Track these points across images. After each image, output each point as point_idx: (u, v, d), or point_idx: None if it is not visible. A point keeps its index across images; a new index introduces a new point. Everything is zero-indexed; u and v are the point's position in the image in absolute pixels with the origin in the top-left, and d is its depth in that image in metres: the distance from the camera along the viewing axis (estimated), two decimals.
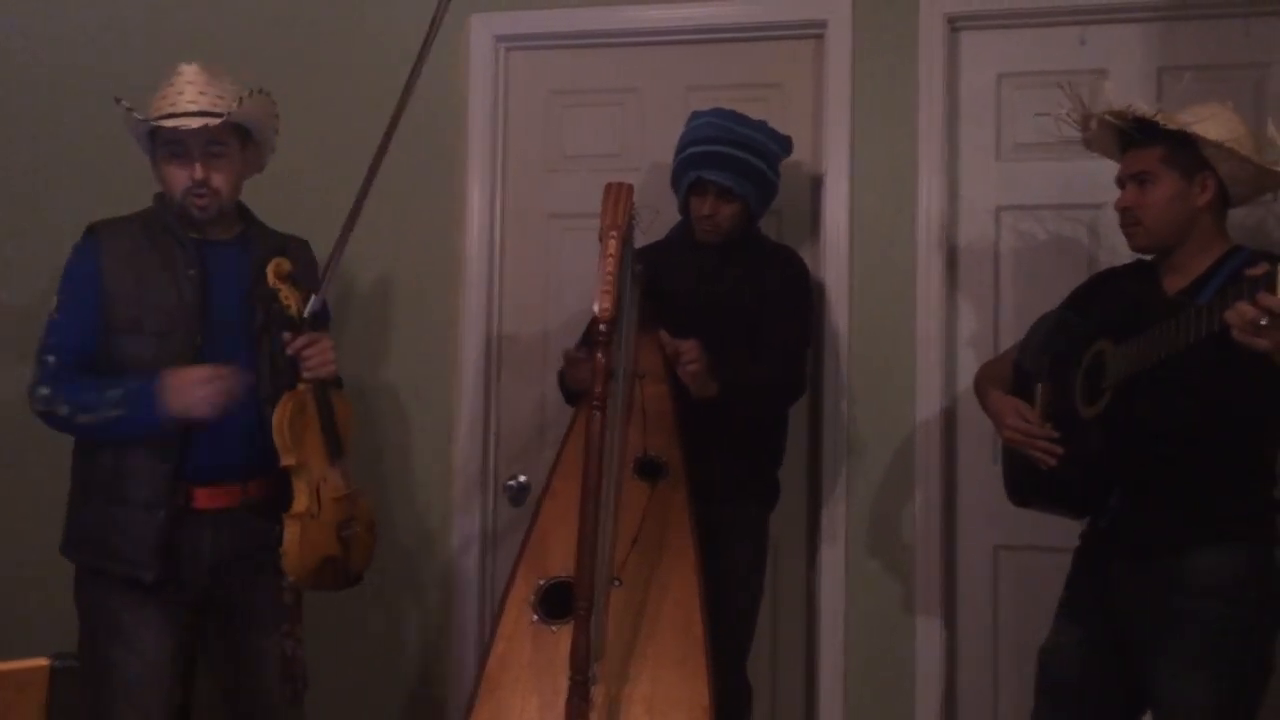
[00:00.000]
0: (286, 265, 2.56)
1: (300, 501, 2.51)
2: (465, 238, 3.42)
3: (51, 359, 2.50)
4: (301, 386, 2.53)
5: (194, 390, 2.42)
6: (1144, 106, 2.42)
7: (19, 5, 3.70)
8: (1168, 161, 2.37)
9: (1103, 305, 2.52)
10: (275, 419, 2.48)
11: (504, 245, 3.45)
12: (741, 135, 2.86)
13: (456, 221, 3.42)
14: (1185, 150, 2.35)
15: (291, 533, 2.48)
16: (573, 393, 2.94)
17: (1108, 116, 2.46)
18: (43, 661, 1.75)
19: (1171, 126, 2.35)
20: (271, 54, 3.51)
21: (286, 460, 2.49)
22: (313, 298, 2.56)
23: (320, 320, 2.65)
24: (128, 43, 3.61)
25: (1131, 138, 2.45)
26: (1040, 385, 2.53)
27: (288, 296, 2.54)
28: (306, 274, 2.72)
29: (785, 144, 2.97)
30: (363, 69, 3.50)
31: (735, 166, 2.83)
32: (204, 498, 2.51)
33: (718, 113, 2.92)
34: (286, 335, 2.53)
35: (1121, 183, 2.47)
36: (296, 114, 3.39)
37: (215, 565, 2.54)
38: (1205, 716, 2.26)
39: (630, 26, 3.36)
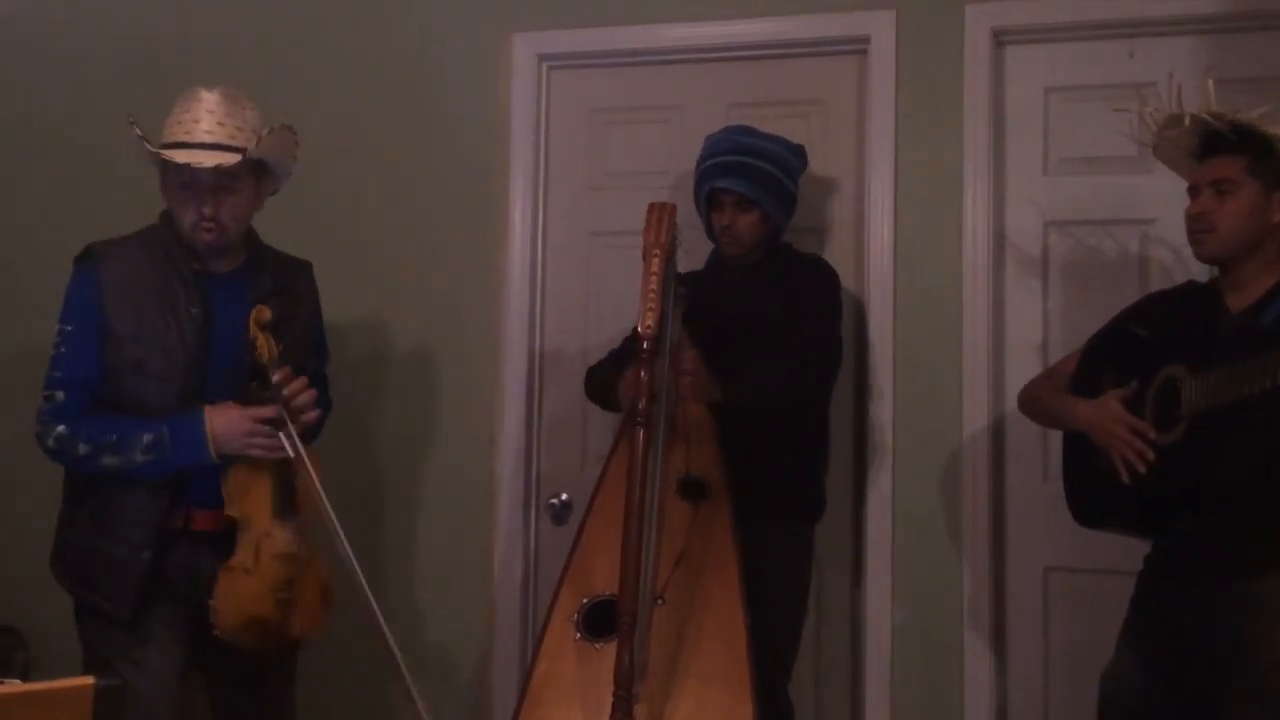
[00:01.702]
0: (267, 314, 2.45)
1: (236, 554, 2.42)
2: (507, 256, 3.42)
3: (61, 395, 2.45)
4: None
5: (241, 436, 2.41)
6: (1249, 113, 2.36)
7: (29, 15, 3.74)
8: (1252, 171, 2.33)
9: (1163, 325, 2.47)
10: (225, 470, 2.42)
11: (546, 264, 3.45)
12: (752, 145, 2.88)
13: (499, 240, 3.42)
14: (1269, 162, 2.32)
15: (221, 585, 2.40)
16: (604, 396, 2.94)
17: (1205, 116, 2.38)
18: (88, 680, 1.74)
19: (1275, 132, 2.30)
20: (296, 71, 3.53)
21: (229, 511, 2.42)
22: (274, 367, 2.46)
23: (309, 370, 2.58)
24: (145, 60, 3.61)
25: (1215, 144, 2.40)
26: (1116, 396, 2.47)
27: (263, 347, 2.45)
28: (306, 301, 2.70)
29: (799, 152, 2.98)
30: (390, 86, 3.52)
31: (748, 173, 2.83)
32: (203, 520, 2.46)
33: (730, 129, 2.96)
34: (253, 385, 2.46)
35: (1195, 190, 2.42)
36: (318, 130, 3.44)
37: (212, 582, 2.46)
38: None
39: (672, 44, 3.36)
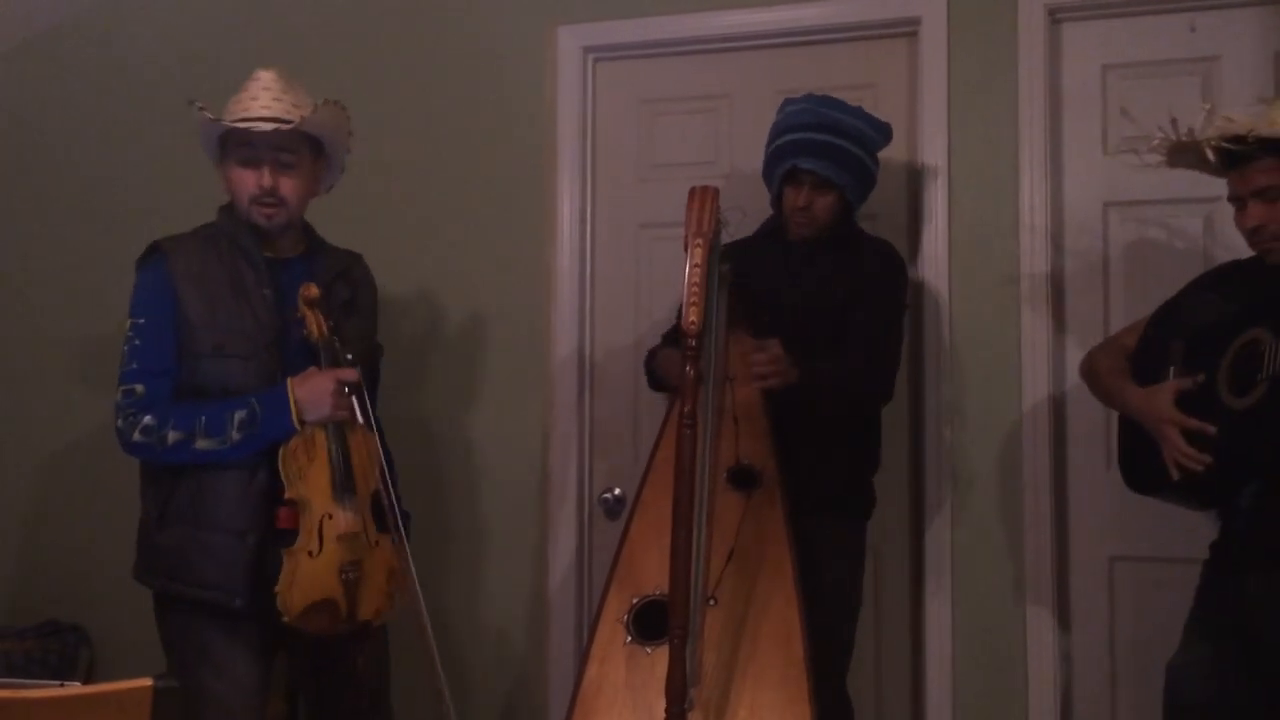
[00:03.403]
0: (314, 291, 2.48)
1: (299, 538, 2.41)
2: (556, 250, 3.40)
3: (141, 387, 2.44)
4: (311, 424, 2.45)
5: (326, 398, 2.42)
6: (1264, 123, 2.27)
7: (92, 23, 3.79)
8: None
9: (1238, 293, 2.39)
10: (279, 452, 2.42)
11: (595, 256, 3.43)
12: (839, 121, 2.75)
13: (547, 234, 3.41)
14: None
15: (285, 569, 2.39)
16: (660, 381, 2.90)
17: (1224, 144, 2.30)
18: (146, 682, 1.75)
19: None
20: (343, 68, 3.53)
21: (289, 494, 2.41)
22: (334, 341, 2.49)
23: (362, 359, 2.57)
24: (202, 56, 3.64)
25: (1235, 158, 2.31)
26: (1173, 369, 2.41)
27: (312, 324, 2.48)
28: (365, 288, 2.72)
29: (885, 130, 2.85)
30: (437, 81, 3.52)
31: (832, 154, 2.72)
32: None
33: (812, 98, 2.82)
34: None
35: (1237, 202, 2.33)
36: (366, 126, 3.44)
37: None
38: None
39: (718, 32, 3.32)
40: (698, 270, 2.29)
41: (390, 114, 3.51)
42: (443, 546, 3.41)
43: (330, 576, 2.42)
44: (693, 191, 2.44)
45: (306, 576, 2.40)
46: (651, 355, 3.02)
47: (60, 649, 3.49)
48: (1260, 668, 2.25)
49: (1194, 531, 2.52)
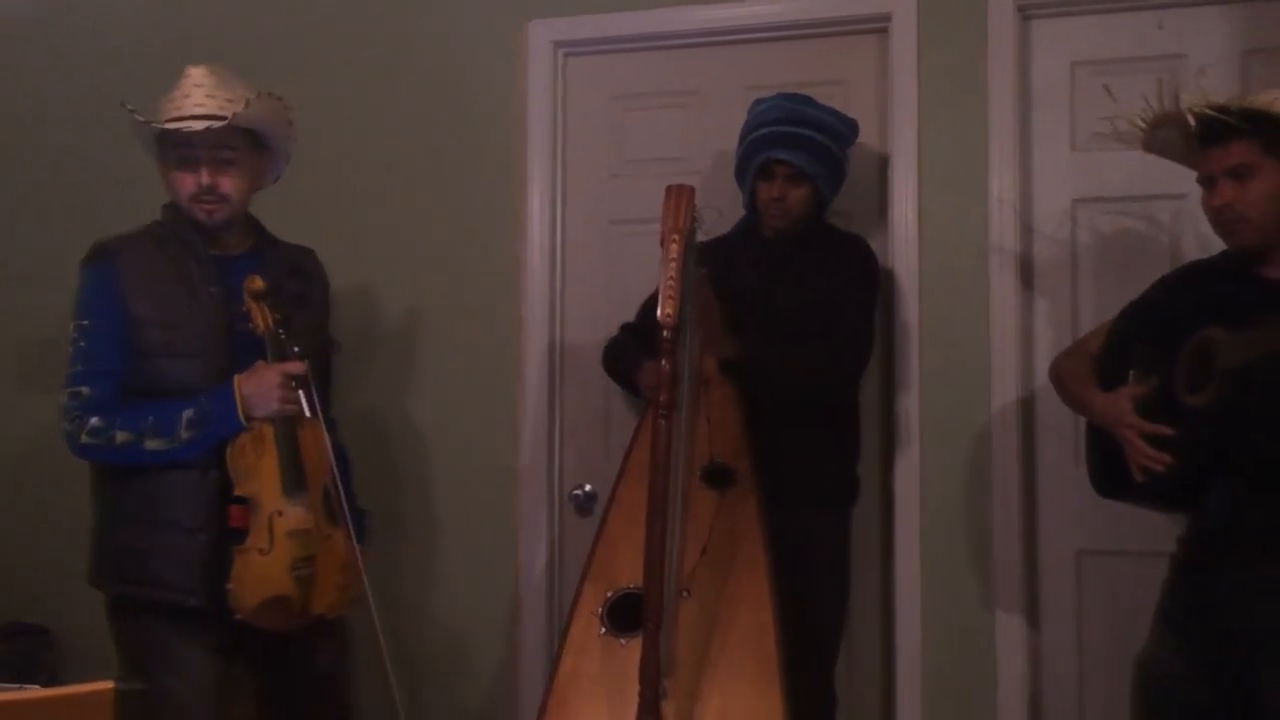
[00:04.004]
0: (259, 283, 2.46)
1: (250, 535, 2.39)
2: (526, 246, 3.39)
3: (88, 389, 2.42)
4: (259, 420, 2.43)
5: (273, 392, 2.40)
6: (1249, 97, 2.30)
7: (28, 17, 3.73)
8: (1267, 151, 2.26)
9: (1197, 294, 2.41)
10: (227, 450, 2.40)
11: (565, 253, 3.42)
12: (809, 115, 2.81)
13: (517, 230, 3.39)
14: None
15: (237, 566, 2.37)
16: (624, 378, 2.91)
17: (1209, 111, 2.30)
18: (107, 685, 1.73)
19: None
20: (311, 61, 3.51)
21: (238, 491, 2.40)
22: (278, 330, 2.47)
23: (313, 353, 2.55)
24: (138, 50, 3.60)
25: (1216, 133, 2.32)
26: (1133, 372, 2.42)
27: (258, 317, 2.46)
28: (319, 282, 2.70)
29: (853, 126, 2.92)
30: (406, 76, 3.49)
31: (805, 146, 2.78)
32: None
33: (782, 95, 2.88)
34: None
35: (1207, 181, 2.34)
36: (335, 120, 3.43)
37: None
38: None
39: (689, 28, 3.31)
40: (674, 265, 2.32)
41: (360, 109, 3.49)
42: (413, 543, 3.39)
43: (282, 573, 2.40)
44: (669, 189, 2.47)
45: (258, 574, 2.38)
46: (611, 347, 3.02)
47: (24, 650, 3.44)
48: (1230, 663, 2.27)
49: (1161, 526, 2.55)
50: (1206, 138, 2.34)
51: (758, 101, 2.91)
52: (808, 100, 2.85)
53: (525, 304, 3.38)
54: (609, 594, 2.55)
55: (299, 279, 2.64)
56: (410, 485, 3.42)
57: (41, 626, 3.53)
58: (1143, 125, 2.44)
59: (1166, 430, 2.30)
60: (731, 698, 2.40)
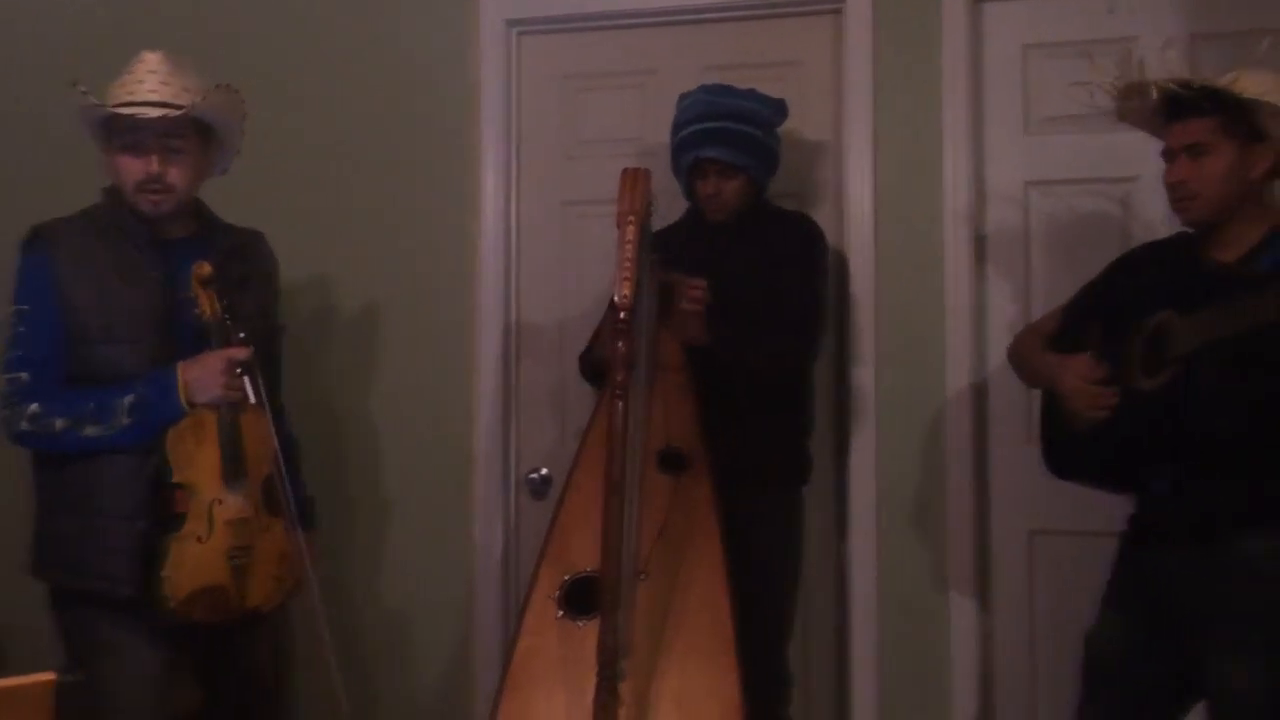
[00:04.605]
0: (206, 269, 2.40)
1: (188, 523, 2.36)
2: (480, 228, 3.36)
3: (25, 375, 2.38)
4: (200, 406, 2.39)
5: (217, 378, 2.36)
6: (1219, 77, 2.31)
7: None
8: (1225, 132, 2.28)
9: (1149, 276, 2.43)
10: (167, 435, 2.37)
11: (520, 235, 3.40)
12: (731, 107, 2.82)
13: (471, 211, 3.37)
14: (1241, 120, 2.27)
15: (173, 554, 2.34)
16: (595, 374, 2.90)
17: (1171, 85, 2.34)
18: (48, 677, 1.70)
19: (1248, 95, 2.25)
20: (259, 41, 3.46)
21: (176, 477, 2.37)
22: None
23: (258, 337, 2.51)
24: (89, 32, 3.52)
25: (1179, 109, 2.35)
26: (1089, 354, 2.45)
27: (204, 304, 2.41)
28: (260, 270, 2.65)
29: (779, 107, 2.92)
30: (357, 55, 3.45)
31: (731, 140, 2.79)
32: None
33: (705, 89, 2.89)
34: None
35: (1169, 155, 2.37)
36: (284, 103, 3.38)
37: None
38: (1257, 702, 2.19)
39: (645, 6, 3.29)
40: (630, 247, 2.33)
41: (309, 89, 3.44)
42: (367, 528, 3.37)
43: (219, 562, 2.37)
44: (625, 172, 2.47)
45: (194, 562, 2.36)
46: (585, 354, 3.01)
47: None
48: (1174, 636, 2.30)
49: (1112, 506, 2.57)
50: (1169, 113, 2.37)
51: (682, 97, 2.92)
52: (728, 90, 2.86)
53: (480, 287, 3.35)
54: (565, 577, 2.55)
55: (241, 261, 2.59)
56: (365, 470, 3.39)
57: None
58: (1114, 93, 2.46)
59: (1111, 394, 2.34)
60: (689, 678, 2.41)
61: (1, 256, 2.53)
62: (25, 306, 2.42)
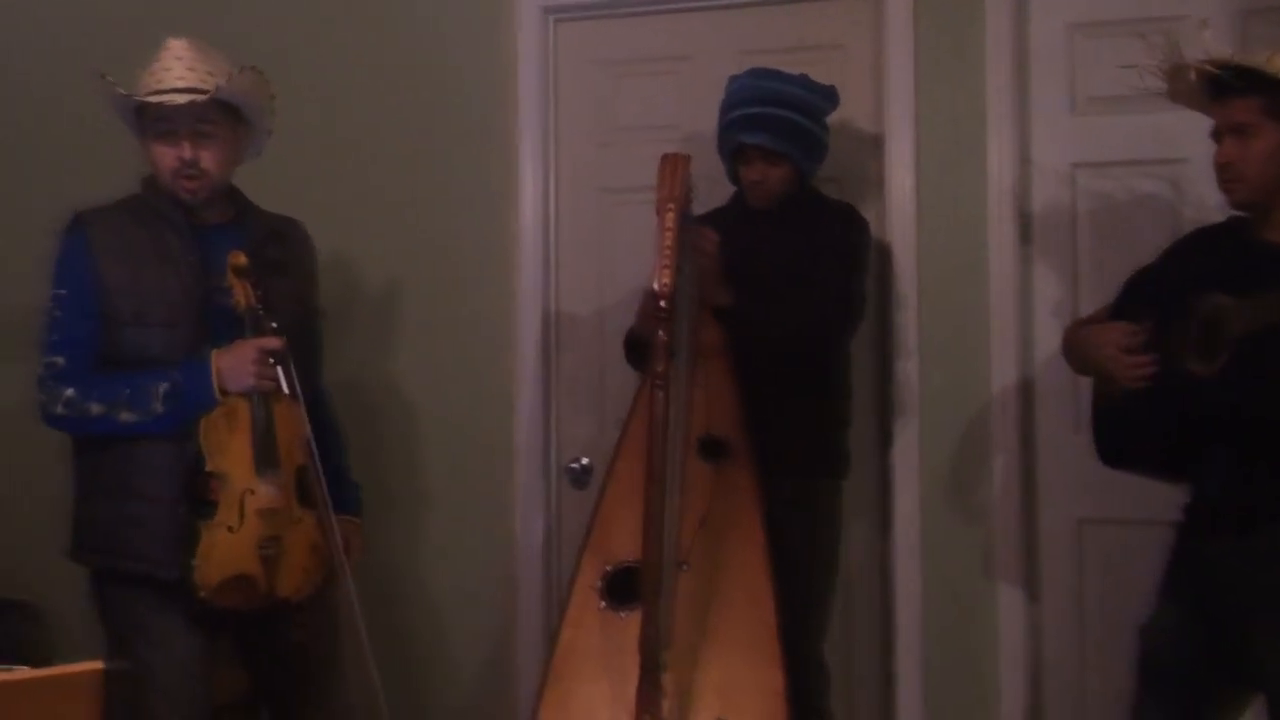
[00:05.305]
0: (242, 259, 2.41)
1: (219, 512, 2.37)
2: (518, 216, 3.35)
3: (62, 360, 2.41)
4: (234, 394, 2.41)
5: (249, 367, 2.37)
6: (1251, 55, 2.27)
7: None
8: (1268, 112, 2.23)
9: (1201, 261, 2.39)
10: (200, 424, 2.38)
11: (558, 222, 3.38)
12: (780, 93, 2.77)
13: (509, 199, 3.35)
14: None
15: (203, 543, 2.34)
16: (639, 356, 2.87)
17: (1207, 66, 2.29)
18: (96, 665, 1.70)
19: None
20: (297, 31, 3.45)
21: (209, 466, 2.37)
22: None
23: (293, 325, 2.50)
24: (119, 17, 3.53)
25: (1226, 87, 2.30)
26: (1125, 323, 2.41)
27: (239, 293, 2.42)
28: (297, 256, 2.66)
29: (829, 94, 2.87)
30: (395, 44, 3.44)
31: (777, 127, 2.75)
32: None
33: (753, 73, 2.84)
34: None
35: (1218, 136, 2.32)
36: (324, 91, 3.38)
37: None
38: None
39: None
40: (669, 234, 2.32)
41: (346, 79, 3.44)
42: (407, 518, 3.36)
43: (249, 552, 2.38)
44: (664, 158, 2.45)
45: (224, 551, 2.36)
46: (631, 332, 3.00)
47: (10, 629, 3.40)
48: (1227, 626, 2.26)
49: (1162, 494, 2.52)
50: (1212, 94, 2.32)
51: (732, 79, 2.88)
52: (777, 75, 2.81)
53: (519, 275, 3.34)
54: (607, 568, 2.55)
55: (277, 246, 2.60)
56: (405, 461, 3.39)
57: (27, 603, 3.49)
58: (1162, 74, 2.41)
59: (1148, 360, 2.33)
60: (731, 668, 2.41)
61: (39, 246, 2.54)
62: (63, 290, 2.45)
